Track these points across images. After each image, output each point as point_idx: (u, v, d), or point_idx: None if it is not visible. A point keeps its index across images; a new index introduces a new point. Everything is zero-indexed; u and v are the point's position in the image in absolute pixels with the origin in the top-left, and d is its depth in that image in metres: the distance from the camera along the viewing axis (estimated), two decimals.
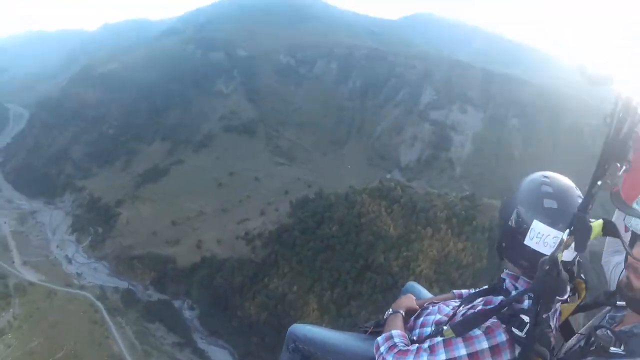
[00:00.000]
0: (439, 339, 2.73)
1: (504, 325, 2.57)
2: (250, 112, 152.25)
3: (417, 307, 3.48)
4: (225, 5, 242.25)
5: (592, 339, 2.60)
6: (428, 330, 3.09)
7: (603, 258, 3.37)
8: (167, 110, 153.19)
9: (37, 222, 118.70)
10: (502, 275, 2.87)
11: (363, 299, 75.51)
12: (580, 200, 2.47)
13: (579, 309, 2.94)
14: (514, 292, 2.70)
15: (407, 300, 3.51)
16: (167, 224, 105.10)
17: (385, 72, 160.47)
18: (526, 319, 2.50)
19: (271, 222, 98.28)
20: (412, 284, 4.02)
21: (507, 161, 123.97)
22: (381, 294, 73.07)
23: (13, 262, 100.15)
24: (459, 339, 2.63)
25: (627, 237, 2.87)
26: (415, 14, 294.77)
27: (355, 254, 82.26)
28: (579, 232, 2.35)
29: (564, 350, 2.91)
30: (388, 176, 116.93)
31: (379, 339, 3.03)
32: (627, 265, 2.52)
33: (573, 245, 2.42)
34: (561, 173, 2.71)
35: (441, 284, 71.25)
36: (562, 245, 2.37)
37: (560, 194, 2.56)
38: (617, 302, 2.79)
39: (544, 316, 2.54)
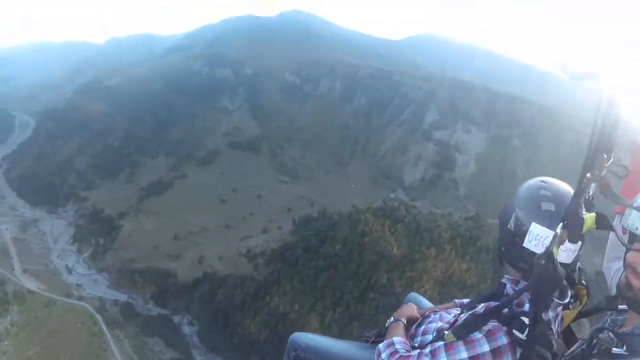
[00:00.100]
0: (440, 343, 2.73)
1: (505, 328, 2.58)
2: (254, 129, 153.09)
3: (419, 315, 3.47)
4: (232, 23, 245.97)
5: (594, 341, 2.60)
6: (430, 337, 3.07)
7: (604, 265, 3.39)
8: (172, 124, 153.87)
9: (39, 231, 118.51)
10: (503, 280, 2.89)
11: (365, 319, 74.80)
12: (580, 211, 2.50)
13: (580, 315, 2.96)
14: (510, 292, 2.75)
15: (409, 309, 3.50)
16: (169, 238, 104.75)
17: (389, 92, 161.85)
18: (527, 320, 2.52)
19: (274, 239, 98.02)
20: (414, 295, 4.01)
21: (510, 180, 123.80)
22: (384, 315, 72.34)
23: (13, 269, 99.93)
24: (460, 343, 2.63)
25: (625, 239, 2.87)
26: (419, 34, 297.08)
27: (358, 273, 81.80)
28: (572, 224, 2.42)
29: (567, 356, 2.89)
30: (392, 195, 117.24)
31: (381, 345, 3.05)
32: (626, 265, 2.53)
33: (570, 244, 2.49)
34: None
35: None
36: (557, 240, 2.43)
37: (557, 197, 2.61)
38: (619, 306, 2.80)
39: (543, 316, 2.56)
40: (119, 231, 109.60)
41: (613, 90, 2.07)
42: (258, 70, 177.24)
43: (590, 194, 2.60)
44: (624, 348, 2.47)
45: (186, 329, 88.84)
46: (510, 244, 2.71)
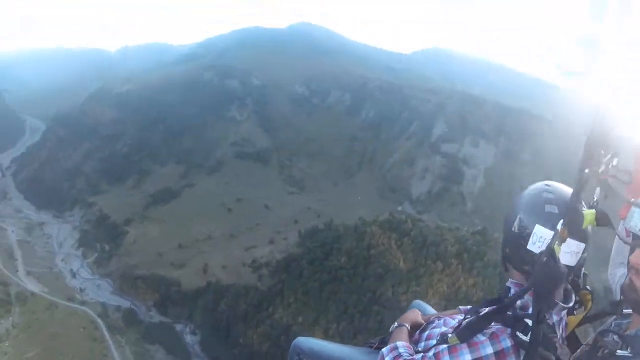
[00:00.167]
0: (444, 345, 2.70)
1: (509, 331, 2.55)
2: (262, 140, 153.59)
3: (423, 321, 3.43)
4: (242, 34, 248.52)
5: (599, 343, 2.65)
6: (433, 342, 3.02)
7: (609, 271, 3.39)
8: (181, 133, 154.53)
9: (44, 234, 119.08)
10: (507, 284, 2.84)
11: (370, 333, 73.87)
12: (580, 207, 2.53)
13: (585, 320, 2.94)
14: (517, 301, 2.66)
15: (413, 315, 3.49)
16: (174, 246, 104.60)
17: (398, 105, 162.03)
18: (530, 322, 2.50)
19: (279, 250, 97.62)
20: (419, 302, 3.96)
21: None
22: (389, 329, 71.69)
23: (17, 270, 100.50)
24: (464, 345, 2.60)
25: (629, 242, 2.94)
26: (428, 48, 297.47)
27: (363, 286, 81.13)
28: (571, 219, 2.44)
29: (571, 359, 2.90)
30: (399, 208, 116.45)
31: (384, 349, 3.04)
32: (630, 267, 2.57)
33: (572, 245, 2.49)
34: None
35: None
36: (558, 236, 2.43)
37: (561, 200, 2.60)
38: (624, 311, 2.83)
39: (548, 320, 2.57)
40: (124, 237, 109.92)
41: (609, 86, 2.11)
42: (267, 82, 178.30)
43: (595, 199, 2.62)
44: (628, 350, 2.52)
45: (188, 338, 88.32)
46: (515, 246, 2.69)
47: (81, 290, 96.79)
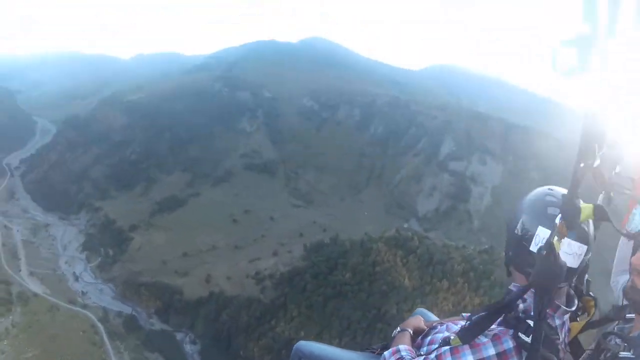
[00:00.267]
0: (446, 347, 2.73)
1: (511, 332, 2.57)
2: (271, 152, 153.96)
3: (425, 327, 3.45)
4: (255, 47, 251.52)
5: (602, 346, 2.67)
6: (436, 347, 2.99)
7: (612, 279, 3.42)
8: (190, 142, 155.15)
9: (49, 235, 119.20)
10: (510, 287, 2.85)
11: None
12: (577, 200, 2.54)
13: (588, 326, 2.95)
14: (520, 304, 2.67)
15: (416, 320, 3.51)
16: (178, 255, 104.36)
17: (406, 121, 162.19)
18: (532, 323, 2.52)
19: (283, 263, 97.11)
20: (422, 310, 3.96)
21: None
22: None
23: (20, 270, 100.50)
24: (466, 346, 2.62)
25: (629, 246, 3.08)
26: (436, 65, 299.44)
27: (367, 303, 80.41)
28: (568, 212, 2.46)
29: None
30: (405, 225, 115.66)
31: (386, 353, 3.07)
32: (632, 269, 2.60)
33: (574, 246, 2.53)
34: None
35: None
36: (556, 231, 2.46)
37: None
38: (627, 315, 2.86)
39: (550, 322, 2.61)
40: (129, 243, 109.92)
41: (604, 84, 2.13)
42: (277, 95, 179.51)
43: (599, 201, 2.71)
44: (632, 352, 2.57)
45: (188, 347, 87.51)
46: (517, 248, 2.73)
47: (83, 293, 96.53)
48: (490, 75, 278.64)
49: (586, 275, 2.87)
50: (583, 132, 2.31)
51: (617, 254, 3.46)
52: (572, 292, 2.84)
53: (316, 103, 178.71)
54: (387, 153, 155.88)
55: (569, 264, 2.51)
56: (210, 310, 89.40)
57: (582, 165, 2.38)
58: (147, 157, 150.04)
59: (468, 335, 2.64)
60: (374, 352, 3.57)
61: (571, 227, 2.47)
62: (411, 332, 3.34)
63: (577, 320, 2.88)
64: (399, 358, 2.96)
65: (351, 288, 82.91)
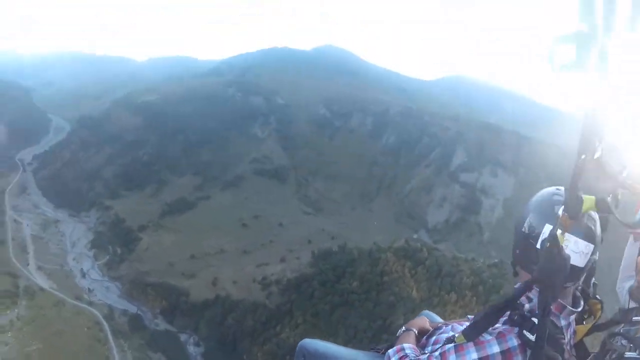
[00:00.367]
0: (450, 345, 2.74)
1: (516, 330, 2.60)
2: (282, 159, 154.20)
3: (430, 327, 3.45)
4: (268, 54, 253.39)
5: (607, 347, 2.71)
6: (440, 346, 2.99)
7: (617, 285, 3.42)
8: (202, 146, 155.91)
9: (58, 231, 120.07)
10: (516, 286, 2.79)
11: None
12: (590, 212, 2.59)
13: (594, 329, 2.96)
14: (526, 304, 2.70)
15: (421, 321, 3.51)
16: (186, 257, 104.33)
17: (418, 131, 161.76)
18: (537, 320, 2.54)
19: (291, 269, 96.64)
20: (427, 312, 3.92)
21: None
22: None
23: (28, 264, 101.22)
24: (470, 344, 2.63)
25: (635, 251, 3.14)
26: (449, 76, 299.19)
27: (373, 313, 79.66)
28: (570, 203, 2.46)
29: None
30: (415, 236, 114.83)
31: (390, 351, 3.07)
32: (638, 270, 2.71)
33: (581, 245, 2.55)
34: None
35: None
36: (559, 221, 2.47)
37: None
38: (633, 318, 2.91)
39: (556, 322, 2.63)
40: (138, 243, 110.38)
41: (603, 79, 2.14)
42: (290, 101, 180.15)
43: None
44: (637, 352, 2.63)
45: (191, 349, 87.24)
46: (524, 247, 2.75)
47: (90, 290, 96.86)
48: (501, 87, 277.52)
49: (593, 279, 2.90)
50: (583, 125, 2.30)
51: (623, 260, 3.49)
52: (578, 293, 2.85)
53: (328, 111, 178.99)
54: (399, 163, 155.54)
55: (575, 263, 2.52)
56: (216, 313, 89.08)
57: (582, 157, 2.36)
58: (159, 158, 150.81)
59: (472, 333, 2.64)
60: (378, 352, 3.54)
61: (573, 217, 2.45)
62: (416, 332, 3.34)
63: (583, 324, 2.89)
64: (402, 356, 2.96)
65: (358, 297, 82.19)
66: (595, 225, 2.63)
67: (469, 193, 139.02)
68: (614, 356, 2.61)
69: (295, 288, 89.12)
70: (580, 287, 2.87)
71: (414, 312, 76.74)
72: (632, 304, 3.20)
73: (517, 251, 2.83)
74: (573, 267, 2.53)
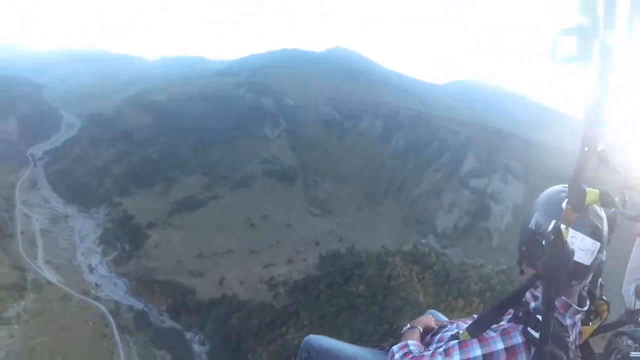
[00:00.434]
0: (455, 341, 2.74)
1: (520, 328, 2.60)
2: (291, 160, 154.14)
3: (435, 326, 3.48)
4: (279, 55, 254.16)
5: (612, 346, 2.73)
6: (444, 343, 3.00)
7: (624, 287, 3.42)
8: (211, 145, 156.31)
9: (68, 226, 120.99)
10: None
11: None
12: (598, 210, 2.63)
13: (600, 330, 2.96)
14: (531, 302, 2.69)
15: (426, 319, 3.54)
16: (193, 255, 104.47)
17: (428, 135, 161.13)
18: (542, 316, 2.54)
19: (298, 271, 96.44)
20: (433, 311, 3.96)
21: None
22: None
23: (36, 258, 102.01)
24: (474, 340, 2.64)
25: None
26: (460, 80, 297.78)
27: (380, 317, 79.18)
28: (574, 195, 2.48)
29: None
30: (423, 241, 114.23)
31: (394, 347, 3.08)
32: None
33: (587, 242, 2.54)
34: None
35: None
36: (563, 216, 2.48)
37: None
38: (639, 319, 2.94)
39: (561, 320, 2.63)
40: (146, 240, 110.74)
41: (605, 71, 2.17)
42: (300, 103, 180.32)
43: (612, 210, 2.71)
44: None
45: (196, 347, 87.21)
46: (531, 243, 2.75)
47: (97, 285, 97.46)
48: (512, 91, 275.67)
49: (600, 279, 2.88)
50: (585, 118, 2.31)
51: (630, 262, 3.49)
52: (584, 293, 2.83)
53: (338, 113, 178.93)
54: (408, 166, 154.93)
55: (581, 260, 2.52)
56: (222, 313, 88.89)
57: (586, 149, 2.38)
58: (169, 157, 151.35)
59: (477, 330, 2.64)
60: (383, 350, 3.58)
61: (577, 210, 2.45)
62: (421, 330, 3.35)
63: (589, 325, 2.89)
64: (406, 352, 2.95)
65: (364, 301, 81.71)
66: (602, 224, 2.62)
67: (479, 199, 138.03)
68: (619, 356, 2.62)
69: (302, 289, 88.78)
70: (586, 288, 2.86)
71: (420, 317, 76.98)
72: (639, 305, 3.22)
73: (524, 248, 2.84)
74: (579, 264, 2.53)
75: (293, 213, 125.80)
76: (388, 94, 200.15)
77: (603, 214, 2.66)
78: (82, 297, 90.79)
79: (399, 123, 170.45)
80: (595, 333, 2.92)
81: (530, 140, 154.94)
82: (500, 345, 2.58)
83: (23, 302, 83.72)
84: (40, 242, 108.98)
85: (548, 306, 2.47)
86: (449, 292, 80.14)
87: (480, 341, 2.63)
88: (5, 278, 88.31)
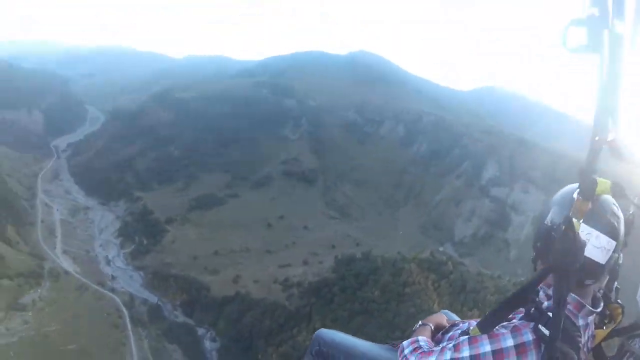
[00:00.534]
0: (464, 337, 2.73)
1: (531, 325, 2.56)
2: (312, 162, 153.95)
3: (447, 324, 3.43)
4: (303, 57, 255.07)
5: (625, 348, 2.71)
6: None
7: (638, 294, 3.30)
8: (233, 144, 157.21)
9: (87, 218, 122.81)
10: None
11: None
12: (615, 208, 2.62)
13: (614, 333, 2.93)
14: (545, 302, 2.64)
15: (438, 317, 3.50)
16: (210, 252, 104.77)
17: (450, 142, 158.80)
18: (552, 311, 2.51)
19: (313, 273, 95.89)
20: (446, 311, 3.88)
21: None
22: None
23: (55, 247, 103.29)
24: (484, 336, 2.61)
25: None
26: (485, 87, 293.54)
27: (393, 323, 78.11)
28: (584, 184, 2.45)
29: None
30: (440, 248, 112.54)
31: (404, 342, 3.09)
32: None
33: (603, 240, 2.51)
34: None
35: None
36: (574, 205, 2.46)
37: (596, 197, 2.59)
38: None
39: (574, 320, 2.59)
40: (164, 235, 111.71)
41: (613, 58, 2.17)
42: (322, 105, 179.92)
43: (631, 211, 2.74)
44: None
45: (207, 344, 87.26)
46: (546, 240, 2.70)
47: (113, 277, 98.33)
48: (536, 100, 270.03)
49: (616, 283, 2.86)
50: (596, 107, 2.27)
51: None
52: (599, 295, 2.80)
53: (360, 116, 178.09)
54: (429, 172, 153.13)
55: (596, 258, 2.50)
56: (234, 311, 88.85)
57: (597, 138, 2.34)
58: (190, 154, 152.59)
59: (487, 325, 2.61)
60: (393, 346, 3.56)
61: (588, 198, 2.43)
62: (432, 327, 3.33)
63: (603, 329, 2.84)
64: (416, 347, 2.94)
65: (378, 306, 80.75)
66: (619, 223, 2.58)
67: (499, 208, 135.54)
68: (631, 359, 2.60)
69: (316, 292, 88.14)
70: (602, 291, 2.82)
71: None
72: None
73: (538, 244, 2.78)
74: (594, 262, 2.50)
75: (311, 215, 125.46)
76: (411, 98, 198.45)
77: (620, 214, 2.61)
78: (97, 287, 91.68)
79: (421, 128, 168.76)
80: (608, 337, 2.87)
81: (553, 150, 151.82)
82: (510, 342, 2.53)
83: (39, 290, 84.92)
84: (59, 232, 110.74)
85: (559, 300, 2.40)
86: (465, 303, 78.71)
87: (490, 337, 2.57)
88: (23, 265, 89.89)
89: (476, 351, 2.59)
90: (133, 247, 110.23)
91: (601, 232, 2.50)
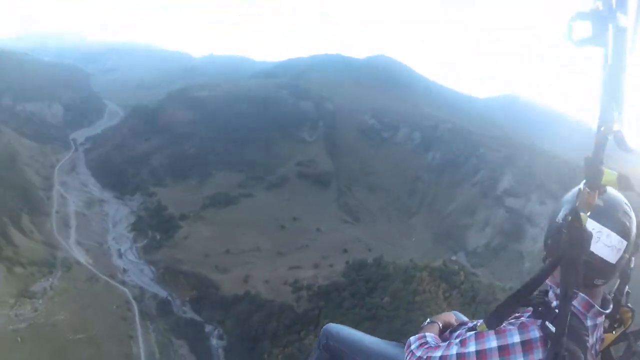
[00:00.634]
0: (471, 332, 2.76)
1: (539, 323, 2.56)
2: (327, 164, 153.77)
3: (455, 323, 3.46)
4: (321, 60, 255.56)
5: (633, 348, 2.69)
6: None
7: None
8: (249, 144, 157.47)
9: (102, 211, 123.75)
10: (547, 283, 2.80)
11: None
12: (627, 208, 2.59)
13: (623, 337, 2.89)
14: (554, 301, 2.62)
15: (447, 315, 3.57)
16: (221, 251, 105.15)
17: (466, 150, 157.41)
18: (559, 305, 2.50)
19: (323, 276, 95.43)
20: (456, 312, 3.88)
21: None
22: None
23: (68, 238, 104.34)
24: (491, 332, 2.63)
25: None
26: (503, 95, 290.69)
27: (401, 331, 77.18)
28: (591, 173, 2.45)
29: None
30: (453, 258, 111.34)
31: (411, 338, 3.13)
32: None
33: (614, 239, 2.48)
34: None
35: None
36: (581, 196, 2.45)
37: (608, 195, 2.60)
38: None
39: (583, 320, 2.57)
40: (177, 231, 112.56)
41: (618, 51, 2.18)
42: (340, 108, 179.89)
43: None
44: None
45: (214, 341, 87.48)
46: (557, 237, 2.66)
47: (124, 270, 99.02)
48: (555, 110, 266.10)
49: (627, 287, 2.84)
50: (601, 97, 2.27)
51: None
52: (609, 297, 2.79)
53: (377, 121, 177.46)
54: (443, 180, 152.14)
55: (606, 257, 2.48)
56: (243, 310, 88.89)
57: (602, 129, 2.34)
58: (206, 153, 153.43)
59: (494, 321, 2.62)
60: (400, 343, 3.60)
61: (593, 188, 2.41)
62: (440, 325, 3.38)
63: (612, 333, 2.84)
64: (423, 342, 2.98)
65: (387, 313, 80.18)
66: (630, 223, 2.56)
67: (514, 219, 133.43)
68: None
69: (325, 295, 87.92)
70: (612, 294, 2.80)
71: None
72: None
73: (549, 241, 2.76)
74: (604, 261, 2.48)
75: (324, 218, 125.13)
76: (428, 104, 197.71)
77: (633, 215, 2.59)
78: (108, 279, 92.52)
79: (438, 136, 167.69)
80: (617, 341, 2.85)
81: (572, 162, 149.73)
82: (516, 338, 2.53)
83: (50, 279, 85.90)
84: (73, 223, 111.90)
85: (566, 294, 2.38)
86: (475, 314, 77.58)
87: (497, 333, 2.58)
88: (36, 254, 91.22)
89: (482, 346, 2.58)
90: (146, 241, 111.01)
91: (612, 230, 2.48)
